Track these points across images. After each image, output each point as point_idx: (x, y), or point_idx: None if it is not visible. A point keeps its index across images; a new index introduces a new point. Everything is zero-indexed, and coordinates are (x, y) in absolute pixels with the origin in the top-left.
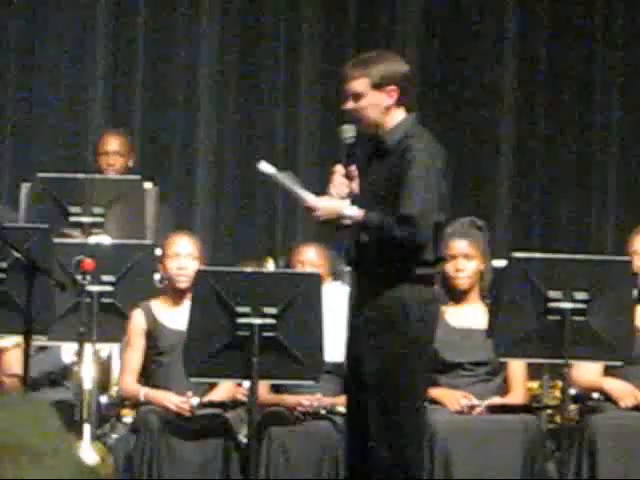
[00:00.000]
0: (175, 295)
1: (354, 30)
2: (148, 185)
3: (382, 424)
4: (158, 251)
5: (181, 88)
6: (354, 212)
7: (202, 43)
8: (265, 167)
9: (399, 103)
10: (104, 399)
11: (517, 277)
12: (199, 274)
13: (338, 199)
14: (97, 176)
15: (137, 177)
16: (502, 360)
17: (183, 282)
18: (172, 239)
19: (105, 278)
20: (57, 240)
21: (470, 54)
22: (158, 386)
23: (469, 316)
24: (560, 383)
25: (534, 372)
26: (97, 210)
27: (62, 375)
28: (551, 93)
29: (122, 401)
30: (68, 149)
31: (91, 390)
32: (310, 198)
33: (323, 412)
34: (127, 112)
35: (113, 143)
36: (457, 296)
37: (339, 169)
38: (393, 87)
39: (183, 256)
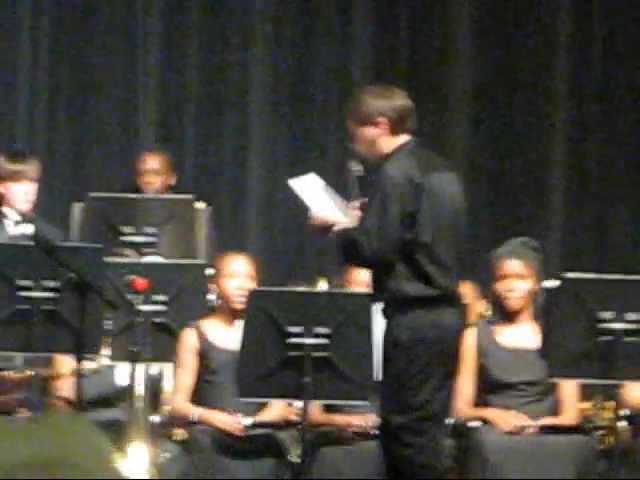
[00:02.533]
0: (228, 315)
1: (405, 51)
2: (201, 205)
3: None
4: (209, 270)
5: (233, 107)
6: (339, 226)
7: (253, 62)
8: (295, 184)
9: (392, 132)
10: (156, 418)
11: (569, 297)
12: (252, 294)
13: (342, 215)
14: (149, 195)
15: (189, 196)
16: (554, 380)
17: (240, 302)
18: (228, 258)
19: (157, 297)
20: (109, 259)
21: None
22: (210, 405)
23: (521, 336)
24: (612, 404)
25: (586, 393)
26: (149, 230)
27: (115, 397)
28: (606, 108)
29: (174, 421)
30: (120, 169)
31: (143, 409)
32: (314, 208)
33: (374, 432)
34: (179, 132)
35: (151, 162)
36: (509, 316)
37: (352, 205)
38: (380, 119)
39: (241, 276)
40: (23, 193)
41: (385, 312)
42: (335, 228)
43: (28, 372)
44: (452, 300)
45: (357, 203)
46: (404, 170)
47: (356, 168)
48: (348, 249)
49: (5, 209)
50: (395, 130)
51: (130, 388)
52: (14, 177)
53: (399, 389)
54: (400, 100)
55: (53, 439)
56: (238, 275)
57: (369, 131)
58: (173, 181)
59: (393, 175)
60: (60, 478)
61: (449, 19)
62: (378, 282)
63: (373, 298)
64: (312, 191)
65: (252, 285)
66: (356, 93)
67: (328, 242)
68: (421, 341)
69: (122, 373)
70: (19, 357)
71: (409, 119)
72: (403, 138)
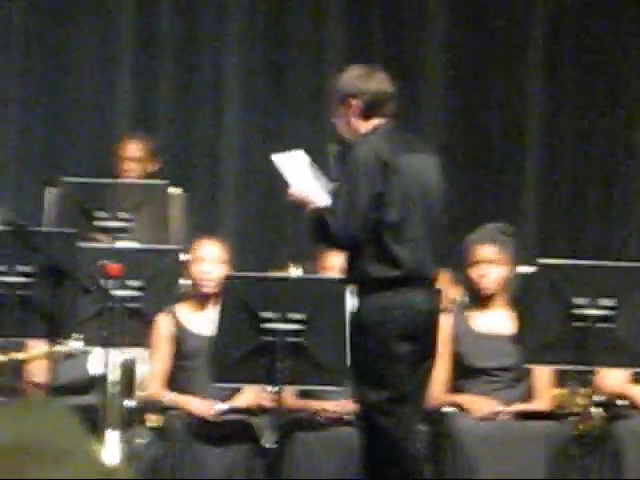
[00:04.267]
0: (200, 300)
1: (379, 29)
2: (176, 191)
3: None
4: (184, 256)
5: (207, 93)
6: (314, 205)
7: (227, 48)
8: (278, 158)
9: (364, 115)
10: (130, 403)
11: (543, 283)
12: (226, 279)
13: (323, 194)
14: (122, 180)
15: (163, 182)
16: (528, 366)
17: (208, 287)
18: (198, 244)
19: (130, 283)
20: (82, 244)
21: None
22: (184, 391)
23: (495, 322)
24: (586, 390)
25: (560, 379)
26: (123, 215)
27: (88, 384)
28: (581, 96)
29: (148, 406)
30: (94, 154)
31: (116, 394)
32: (293, 183)
33: (348, 418)
34: (153, 118)
35: (132, 149)
36: (483, 302)
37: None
38: (352, 101)
39: (208, 261)
40: None
41: (355, 293)
42: (310, 207)
43: (0, 356)
44: (421, 282)
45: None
46: (374, 150)
47: (334, 149)
48: (317, 229)
49: None
50: (367, 113)
51: (104, 373)
52: None
53: (368, 371)
54: (377, 84)
55: (29, 424)
56: (207, 260)
57: (343, 110)
58: (156, 168)
59: (362, 155)
60: (36, 463)
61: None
62: (347, 263)
63: (344, 281)
64: (295, 167)
65: (222, 270)
66: (343, 72)
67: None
68: (387, 321)
69: (95, 360)
70: None
71: (386, 104)
72: (377, 121)
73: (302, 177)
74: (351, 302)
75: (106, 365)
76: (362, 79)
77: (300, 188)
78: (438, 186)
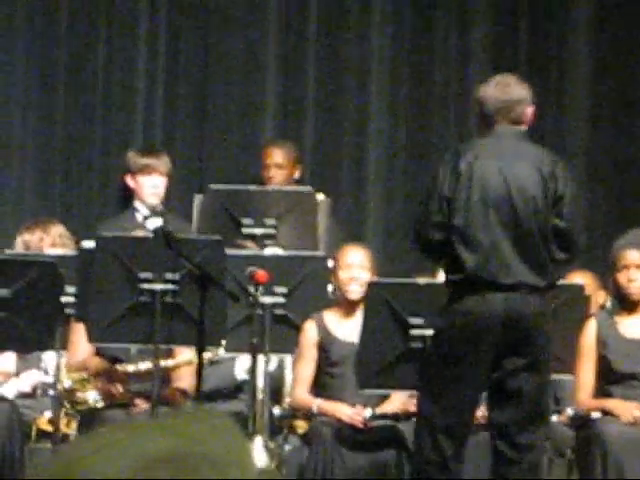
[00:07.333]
0: (347, 306)
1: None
2: (320, 197)
3: None
4: (330, 263)
5: (352, 100)
6: None
7: (373, 57)
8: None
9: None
10: (277, 410)
11: None
12: (371, 285)
13: None
14: (269, 187)
15: (309, 188)
16: None
17: (354, 293)
18: (344, 250)
19: (278, 289)
20: (230, 251)
21: None
22: (330, 397)
23: None
24: None
25: None
26: (269, 222)
27: (234, 390)
28: None
29: (294, 412)
30: (240, 161)
31: (263, 401)
32: None
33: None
34: (298, 124)
35: (274, 156)
36: (631, 306)
37: None
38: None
39: (355, 267)
40: (151, 186)
41: None
42: None
43: (147, 364)
44: (487, 286)
45: None
46: (452, 155)
47: None
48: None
49: (137, 203)
50: (485, 121)
51: (251, 380)
52: (143, 170)
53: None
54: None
55: (191, 433)
56: (352, 266)
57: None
58: (298, 174)
59: (442, 161)
60: (201, 473)
61: (567, 15)
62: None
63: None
64: None
65: (367, 276)
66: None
67: None
68: (447, 327)
69: (242, 366)
70: (133, 348)
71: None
72: (493, 128)
73: None
74: None
75: (253, 371)
76: (483, 88)
77: None
78: (528, 193)
